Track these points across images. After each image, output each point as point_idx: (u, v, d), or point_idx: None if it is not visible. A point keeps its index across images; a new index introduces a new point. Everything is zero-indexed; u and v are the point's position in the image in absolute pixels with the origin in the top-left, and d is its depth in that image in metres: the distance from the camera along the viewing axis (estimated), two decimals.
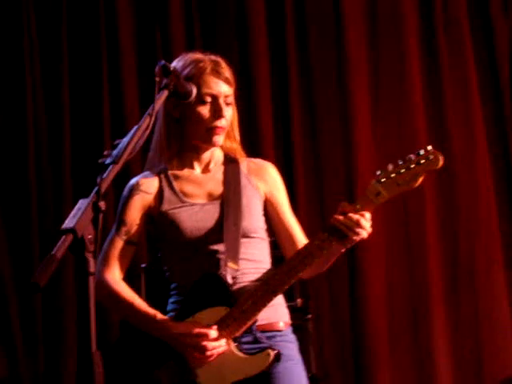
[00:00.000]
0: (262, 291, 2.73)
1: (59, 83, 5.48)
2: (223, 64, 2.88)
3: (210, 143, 2.88)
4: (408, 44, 5.36)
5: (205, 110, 2.82)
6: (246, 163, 2.97)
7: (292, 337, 2.94)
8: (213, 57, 2.89)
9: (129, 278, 2.97)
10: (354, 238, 2.69)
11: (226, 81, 2.85)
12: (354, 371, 5.18)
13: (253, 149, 3.31)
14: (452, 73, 5.34)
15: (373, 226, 5.05)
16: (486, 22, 5.37)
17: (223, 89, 2.84)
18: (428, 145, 2.69)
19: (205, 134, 2.86)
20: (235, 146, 2.97)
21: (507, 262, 5.17)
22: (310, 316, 4.38)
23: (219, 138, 2.87)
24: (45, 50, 5.53)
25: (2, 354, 5.20)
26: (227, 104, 2.86)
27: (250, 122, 5.28)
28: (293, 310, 4.03)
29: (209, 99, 2.82)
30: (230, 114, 2.88)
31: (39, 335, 5.26)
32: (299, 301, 4.28)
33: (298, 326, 3.74)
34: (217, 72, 2.83)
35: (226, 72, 2.86)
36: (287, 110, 5.44)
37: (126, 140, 2.35)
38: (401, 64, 5.37)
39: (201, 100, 2.80)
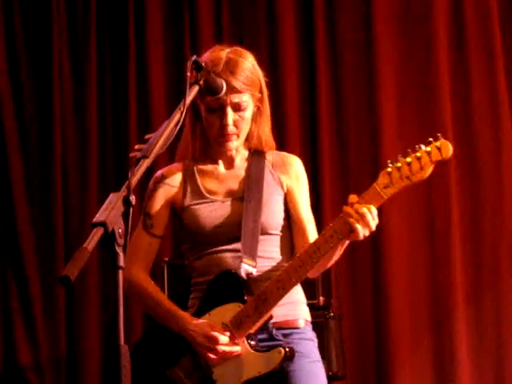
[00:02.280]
0: (274, 288, 2.73)
1: (87, 75, 5.58)
2: (244, 62, 2.85)
3: (223, 148, 2.90)
4: (436, 34, 5.37)
5: (213, 117, 2.84)
6: (272, 157, 2.97)
7: (311, 334, 2.94)
8: (232, 53, 2.86)
9: (152, 271, 3.02)
10: (359, 232, 2.65)
11: (238, 84, 2.80)
12: (374, 371, 5.21)
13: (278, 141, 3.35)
14: (479, 66, 5.36)
15: (395, 225, 5.11)
16: None
17: (231, 94, 2.79)
18: (453, 142, 2.68)
19: (218, 139, 2.88)
20: (263, 139, 2.96)
21: None
22: (331, 314, 4.39)
23: (231, 145, 2.89)
24: (73, 42, 5.62)
25: (25, 341, 5.30)
26: (237, 109, 2.83)
27: (276, 110, 5.32)
28: (314, 308, 4.07)
29: (216, 105, 2.81)
30: (242, 118, 2.85)
31: (61, 322, 5.36)
32: (321, 299, 4.30)
33: (318, 324, 3.77)
34: (229, 73, 2.79)
35: (240, 74, 2.81)
36: (314, 99, 5.48)
37: (156, 134, 2.38)
38: (428, 53, 5.39)
39: (209, 107, 2.82)
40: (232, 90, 2.78)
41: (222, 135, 2.84)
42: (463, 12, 5.38)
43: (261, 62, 2.96)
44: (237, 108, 2.82)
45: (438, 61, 5.34)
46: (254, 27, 5.56)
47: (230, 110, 2.81)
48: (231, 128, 2.83)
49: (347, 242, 2.76)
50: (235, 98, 2.81)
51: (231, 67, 2.81)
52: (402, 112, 5.38)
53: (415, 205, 5.04)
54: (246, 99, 2.84)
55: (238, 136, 2.87)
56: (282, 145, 4.62)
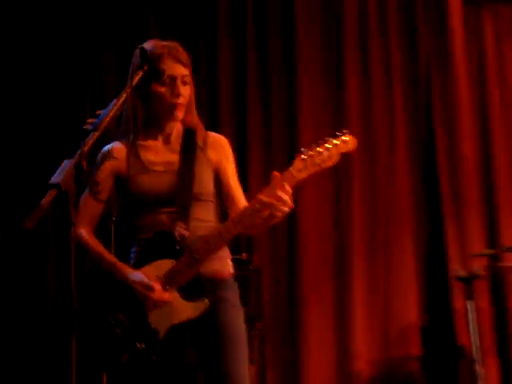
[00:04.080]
0: (203, 248, 2.75)
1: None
2: (180, 49, 2.85)
3: (171, 118, 2.88)
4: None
5: (165, 90, 2.80)
6: (202, 136, 2.95)
7: (234, 285, 2.94)
8: (171, 43, 2.86)
9: (102, 228, 3.01)
10: (277, 213, 2.68)
11: (182, 63, 2.83)
12: (287, 313, 5.17)
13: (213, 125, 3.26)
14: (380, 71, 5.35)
15: (308, 193, 5.10)
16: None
17: (180, 70, 2.82)
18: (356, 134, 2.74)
19: (167, 110, 2.84)
20: (195, 121, 2.95)
21: (415, 233, 5.20)
22: (252, 268, 4.36)
23: (179, 113, 2.86)
24: None
25: None
26: (184, 83, 2.84)
27: (211, 98, 5.32)
28: (238, 263, 4.04)
29: (168, 80, 2.79)
30: (187, 91, 2.86)
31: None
32: (244, 255, 4.27)
33: (241, 276, 3.75)
34: (174, 56, 2.81)
35: (183, 56, 2.84)
36: (244, 91, 5.39)
37: (105, 111, 2.39)
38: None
39: (162, 81, 2.79)
40: (180, 64, 2.81)
41: (174, 104, 2.81)
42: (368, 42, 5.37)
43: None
44: (184, 82, 2.83)
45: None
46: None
47: (179, 83, 2.80)
48: (182, 98, 2.82)
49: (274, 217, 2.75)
50: (183, 72, 2.82)
51: (176, 48, 2.83)
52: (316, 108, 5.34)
53: (324, 177, 5.00)
54: (189, 75, 2.85)
55: (184, 106, 2.85)
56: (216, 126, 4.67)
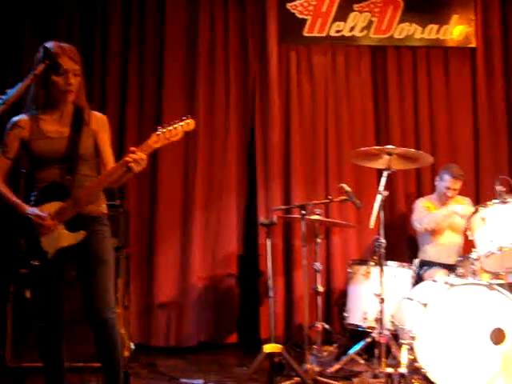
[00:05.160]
0: (84, 194, 2.71)
1: None
2: (74, 50, 2.76)
3: (64, 100, 2.77)
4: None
5: (60, 79, 2.71)
6: (88, 114, 2.84)
7: (106, 221, 2.88)
8: (67, 45, 2.76)
9: (14, 179, 2.93)
10: (136, 169, 2.66)
11: (74, 60, 2.73)
12: (147, 243, 5.05)
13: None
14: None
15: (165, 161, 4.97)
16: None
17: (72, 66, 2.72)
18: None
19: (61, 95, 2.75)
20: (83, 103, 2.84)
21: (238, 193, 5.18)
22: (122, 210, 4.21)
23: (70, 97, 2.77)
24: None
25: None
26: (75, 75, 2.74)
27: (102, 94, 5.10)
28: (113, 207, 3.90)
29: (63, 72, 2.69)
30: (77, 81, 2.76)
31: None
32: (117, 201, 4.10)
33: (114, 217, 3.64)
34: (68, 55, 2.71)
35: (75, 55, 2.74)
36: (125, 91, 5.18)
37: (12, 90, 2.36)
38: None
39: (58, 73, 2.68)
40: (72, 61, 2.72)
41: (66, 91, 2.73)
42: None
43: None
44: (75, 74, 2.73)
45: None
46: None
47: (71, 75, 2.71)
48: (72, 87, 2.73)
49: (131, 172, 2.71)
50: (75, 67, 2.72)
51: (70, 49, 2.75)
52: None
53: (177, 146, 4.86)
54: (79, 69, 2.75)
55: (73, 92, 2.76)
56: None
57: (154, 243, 5.03)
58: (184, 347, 4.87)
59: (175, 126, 2.69)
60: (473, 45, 5.39)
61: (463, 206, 4.55)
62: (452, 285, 3.50)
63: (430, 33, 5.36)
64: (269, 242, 3.85)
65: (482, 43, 5.39)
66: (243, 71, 5.25)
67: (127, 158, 2.64)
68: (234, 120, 5.20)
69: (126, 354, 3.90)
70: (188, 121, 2.71)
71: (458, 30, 5.39)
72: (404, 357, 3.54)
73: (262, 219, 3.99)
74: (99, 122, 2.87)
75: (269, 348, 3.68)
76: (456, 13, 5.39)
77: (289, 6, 5.30)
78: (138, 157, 2.63)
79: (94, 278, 2.73)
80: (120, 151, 4.62)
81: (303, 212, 3.91)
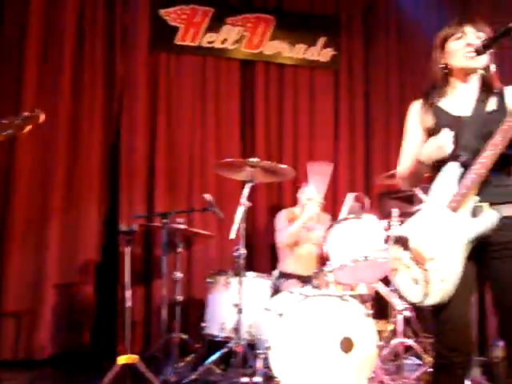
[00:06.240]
0: None
1: None
2: None
3: None
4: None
5: None
6: None
7: None
8: None
9: None
10: None
11: None
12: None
13: None
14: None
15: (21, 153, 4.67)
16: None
17: None
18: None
19: None
20: None
21: (100, 197, 5.00)
22: None
23: None
24: None
25: None
26: None
27: None
28: None
29: None
30: None
31: None
32: None
33: None
34: None
35: None
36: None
37: None
38: None
39: None
40: None
41: None
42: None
43: None
44: None
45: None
46: None
47: None
48: None
49: None
50: None
51: None
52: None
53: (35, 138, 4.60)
54: None
55: None
56: None
57: (2, 247, 4.69)
58: (35, 360, 4.59)
59: (20, 118, 2.40)
60: (337, 66, 5.66)
61: (315, 209, 4.62)
62: (306, 296, 3.60)
63: (298, 52, 5.56)
64: (128, 250, 3.73)
65: (346, 65, 5.72)
66: (110, 73, 5.09)
67: None
68: (99, 122, 5.02)
69: None
70: (36, 114, 2.43)
71: (324, 52, 5.63)
72: (259, 366, 3.59)
73: (121, 226, 3.87)
74: None
75: (123, 359, 3.56)
76: (323, 36, 5.63)
77: (162, 12, 5.24)
78: None
79: None
80: None
81: (165, 220, 3.85)
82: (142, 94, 5.11)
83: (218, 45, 5.36)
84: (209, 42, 5.35)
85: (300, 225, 4.61)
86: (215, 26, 5.37)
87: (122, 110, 5.09)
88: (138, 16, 5.16)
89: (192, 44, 5.30)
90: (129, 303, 3.70)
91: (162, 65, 5.24)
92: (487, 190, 2.21)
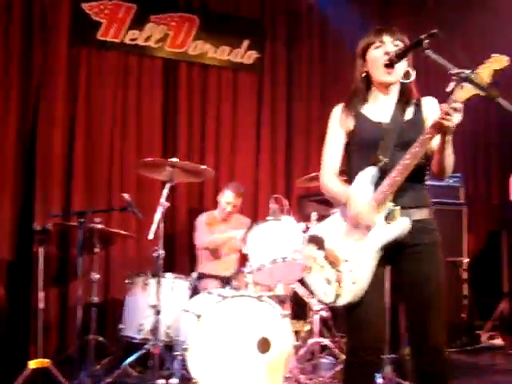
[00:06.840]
0: None
1: None
2: None
3: None
4: None
5: None
6: None
7: None
8: None
9: None
10: None
11: None
12: None
13: None
14: None
15: None
16: None
17: None
18: None
19: None
20: None
21: (14, 196, 4.81)
22: None
23: None
24: None
25: None
26: None
27: None
28: None
29: None
30: None
31: None
32: None
33: None
34: None
35: None
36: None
37: None
38: None
39: None
40: None
41: None
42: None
43: None
44: None
45: None
46: None
47: None
48: None
49: None
50: None
51: None
52: None
53: None
54: None
55: None
56: None
57: None
58: None
59: None
60: (261, 69, 5.70)
61: (241, 231, 4.68)
62: (224, 297, 3.60)
63: (223, 54, 5.55)
64: (41, 250, 3.61)
65: (270, 68, 5.78)
66: (27, 65, 4.89)
67: None
68: (15, 112, 4.81)
69: None
70: None
71: (248, 55, 5.65)
72: (177, 367, 3.56)
73: (35, 225, 3.74)
74: None
75: (35, 363, 3.44)
76: (248, 39, 5.65)
77: (84, 5, 5.10)
78: None
79: None
80: None
81: (81, 220, 3.75)
82: (60, 90, 4.95)
83: (141, 42, 5.27)
84: (132, 39, 5.25)
85: (220, 241, 4.65)
86: (139, 23, 5.28)
87: (39, 103, 4.90)
88: (57, 8, 4.99)
89: (115, 40, 5.19)
90: (41, 305, 3.58)
91: (82, 60, 5.10)
92: (400, 195, 2.29)
